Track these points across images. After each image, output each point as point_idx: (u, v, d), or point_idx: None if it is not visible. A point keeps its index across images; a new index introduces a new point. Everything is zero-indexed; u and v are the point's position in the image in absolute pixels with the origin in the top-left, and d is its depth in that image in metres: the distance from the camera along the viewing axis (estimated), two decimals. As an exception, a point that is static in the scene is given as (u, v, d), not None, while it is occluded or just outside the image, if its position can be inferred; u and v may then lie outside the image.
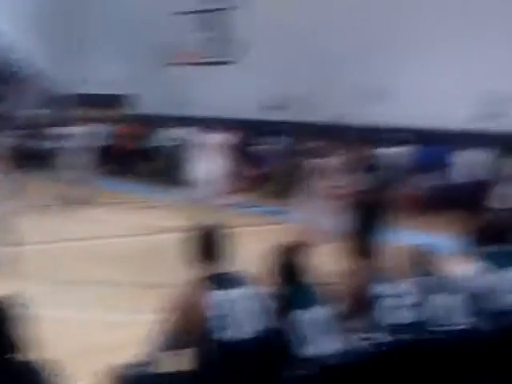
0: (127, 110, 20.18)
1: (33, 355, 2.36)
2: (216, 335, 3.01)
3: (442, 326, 3.71)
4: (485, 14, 12.86)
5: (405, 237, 7.45)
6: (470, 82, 12.96)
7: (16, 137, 15.78)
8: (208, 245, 3.28)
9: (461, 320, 3.78)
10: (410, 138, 13.74)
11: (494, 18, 12.75)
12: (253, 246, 7.79)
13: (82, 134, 13.61)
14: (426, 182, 13.19)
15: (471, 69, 13.01)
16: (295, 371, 3.15)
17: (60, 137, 13.62)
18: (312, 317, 3.28)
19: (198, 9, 16.40)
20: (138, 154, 16.92)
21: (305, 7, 15.68)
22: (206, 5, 16.27)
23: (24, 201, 8.96)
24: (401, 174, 13.77)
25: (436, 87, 13.49)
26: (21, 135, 17.26)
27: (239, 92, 16.74)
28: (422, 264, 4.00)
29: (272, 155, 15.57)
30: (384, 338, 3.46)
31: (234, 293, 3.13)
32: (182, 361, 3.10)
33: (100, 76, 21.05)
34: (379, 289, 3.62)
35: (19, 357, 2.32)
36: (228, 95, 16.79)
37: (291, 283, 3.42)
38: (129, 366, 3.17)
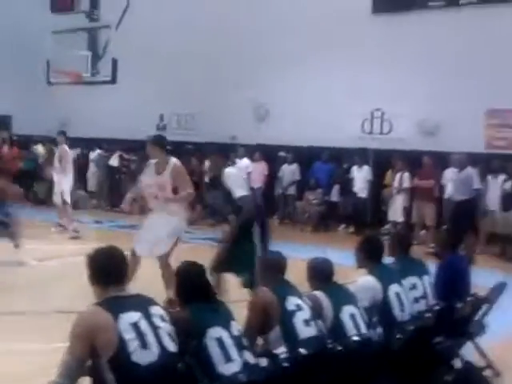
0: (10, 132, 19.36)
1: None
2: (122, 360, 2.90)
3: (346, 336, 3.81)
4: (363, 40, 13.59)
5: (300, 251, 7.66)
6: (351, 104, 13.61)
7: None
8: (107, 267, 3.17)
9: (360, 331, 3.90)
10: (295, 157, 14.20)
11: (372, 42, 13.48)
12: (150, 267, 7.66)
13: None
14: (317, 198, 13.62)
15: (351, 92, 13.64)
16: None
17: None
18: (222, 334, 3.24)
19: (78, 27, 16.10)
20: (24, 177, 16.21)
21: (187, 30, 15.81)
22: (85, 24, 16.00)
23: None
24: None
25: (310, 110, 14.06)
26: None
27: (120, 112, 16.54)
28: (322, 276, 4.10)
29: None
30: (294, 351, 3.49)
31: (138, 315, 3.02)
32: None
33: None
34: (286, 303, 3.66)
35: None
36: (109, 115, 16.55)
37: (197, 302, 3.38)
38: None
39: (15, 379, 4.54)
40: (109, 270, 3.14)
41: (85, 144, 16.64)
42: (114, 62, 14.30)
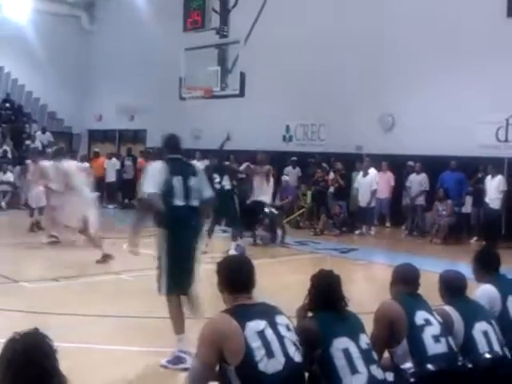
0: (146, 144, 20.46)
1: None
2: (249, 368, 2.94)
3: (478, 354, 3.64)
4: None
5: (430, 264, 7.41)
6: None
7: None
8: (237, 275, 3.23)
9: (493, 349, 3.71)
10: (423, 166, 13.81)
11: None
12: (285, 275, 7.73)
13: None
14: (447, 209, 13.13)
15: (484, 99, 13.08)
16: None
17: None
18: (349, 345, 3.21)
19: (208, 44, 16.69)
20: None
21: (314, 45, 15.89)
22: (215, 40, 16.52)
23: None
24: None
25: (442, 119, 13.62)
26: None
27: (248, 124, 16.90)
28: (453, 290, 3.94)
29: (290, 186, 15.62)
30: (422, 367, 3.39)
31: (263, 324, 3.04)
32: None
33: (115, 112, 21.37)
34: (414, 317, 3.56)
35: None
36: (238, 127, 16.94)
37: (326, 310, 3.37)
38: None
39: (151, 380, 4.72)
40: (238, 277, 3.20)
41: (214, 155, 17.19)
42: (242, 76, 14.62)
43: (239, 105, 16.87)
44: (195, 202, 5.22)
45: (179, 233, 5.10)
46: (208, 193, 5.43)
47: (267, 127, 16.72)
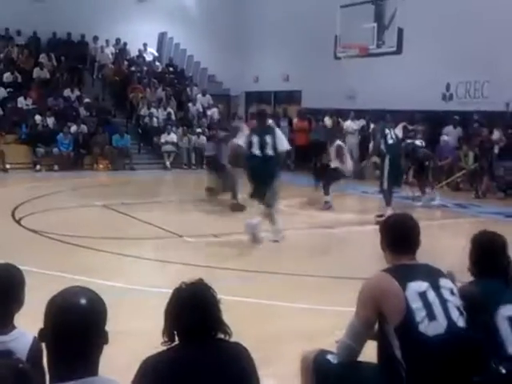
0: (302, 105, 20.54)
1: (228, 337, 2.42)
2: (408, 328, 2.87)
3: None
4: None
5: None
6: None
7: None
8: (401, 233, 3.13)
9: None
10: None
11: None
12: (445, 239, 7.49)
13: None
14: None
15: None
16: (496, 372, 2.94)
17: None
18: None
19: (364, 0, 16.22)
20: (312, 147, 16.99)
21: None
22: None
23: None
24: None
25: None
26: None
27: (404, 83, 16.27)
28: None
29: (450, 146, 14.95)
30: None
31: (426, 285, 2.95)
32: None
33: (270, 74, 21.60)
34: None
35: (221, 337, 2.41)
36: (394, 86, 16.40)
37: (491, 276, 3.20)
38: (321, 353, 3.17)
39: (307, 336, 4.85)
40: (401, 236, 3.12)
41: (370, 116, 16.88)
42: (400, 32, 14.11)
43: (396, 62, 16.33)
44: None
45: None
46: None
47: (425, 85, 16.01)
